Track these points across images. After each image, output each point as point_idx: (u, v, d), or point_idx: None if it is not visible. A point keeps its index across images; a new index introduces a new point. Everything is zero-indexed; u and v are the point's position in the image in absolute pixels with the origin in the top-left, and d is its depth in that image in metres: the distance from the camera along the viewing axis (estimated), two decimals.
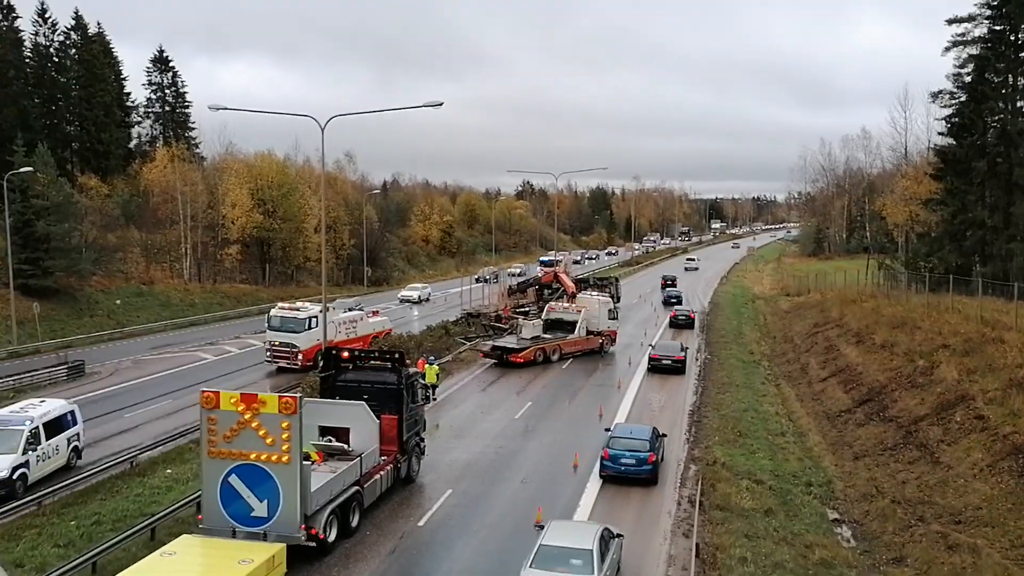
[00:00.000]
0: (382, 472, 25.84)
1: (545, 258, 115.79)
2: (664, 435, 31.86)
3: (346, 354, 28.14)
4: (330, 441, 25.40)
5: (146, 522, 22.85)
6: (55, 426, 29.12)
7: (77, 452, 30.33)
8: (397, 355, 27.88)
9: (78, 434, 30.43)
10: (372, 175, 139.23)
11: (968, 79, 56.30)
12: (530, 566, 19.08)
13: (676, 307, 73.13)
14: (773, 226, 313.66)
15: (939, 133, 60.59)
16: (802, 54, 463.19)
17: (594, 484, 28.59)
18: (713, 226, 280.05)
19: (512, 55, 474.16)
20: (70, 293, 61.52)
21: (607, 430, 31.28)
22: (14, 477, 26.81)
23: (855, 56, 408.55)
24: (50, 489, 26.33)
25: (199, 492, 24.93)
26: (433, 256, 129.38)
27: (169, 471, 29.48)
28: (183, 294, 73.07)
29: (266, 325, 48.41)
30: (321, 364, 44.99)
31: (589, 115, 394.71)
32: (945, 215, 56.71)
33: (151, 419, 36.98)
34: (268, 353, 47.50)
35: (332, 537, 22.39)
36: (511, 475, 29.50)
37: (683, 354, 49.05)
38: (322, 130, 38.31)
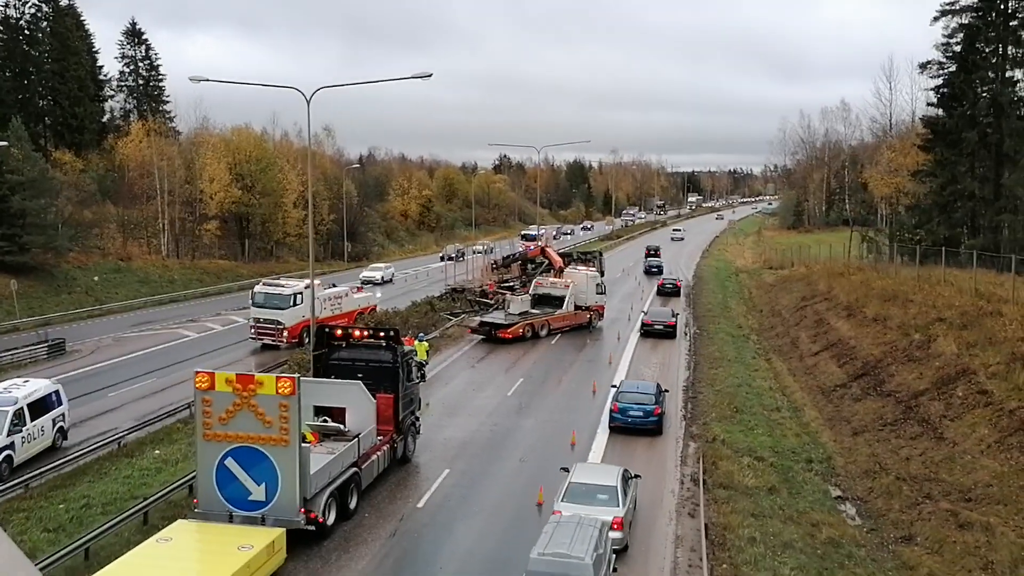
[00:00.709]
0: (379, 452, 25.20)
1: (527, 232, 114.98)
2: (667, 390, 34.30)
3: (339, 332, 27.35)
4: (325, 421, 24.71)
5: (138, 506, 22.08)
6: (40, 406, 28.21)
7: (63, 433, 29.45)
8: (392, 332, 27.14)
9: (63, 414, 29.54)
10: (348, 150, 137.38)
11: (958, 49, 55.84)
12: (562, 500, 21.43)
13: (664, 276, 76.78)
14: (750, 199, 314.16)
15: (928, 104, 60.32)
16: (774, 28, 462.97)
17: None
18: (690, 199, 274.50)
19: (482, 28, 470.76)
20: (47, 270, 60.09)
21: (614, 386, 33.90)
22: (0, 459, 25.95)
23: (825, 30, 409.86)
24: (37, 472, 25.50)
25: (191, 474, 24.32)
26: (412, 231, 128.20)
27: (158, 452, 28.67)
28: (162, 270, 71.68)
29: (250, 301, 47.40)
30: (314, 342, 44.82)
31: (562, 89, 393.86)
32: (934, 187, 56.44)
33: (136, 398, 36.07)
34: (252, 330, 46.55)
35: (331, 520, 21.77)
36: (508, 454, 28.95)
37: (674, 319, 52.27)
38: (307, 102, 37.23)
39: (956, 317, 38.40)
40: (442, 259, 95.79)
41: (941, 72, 58.02)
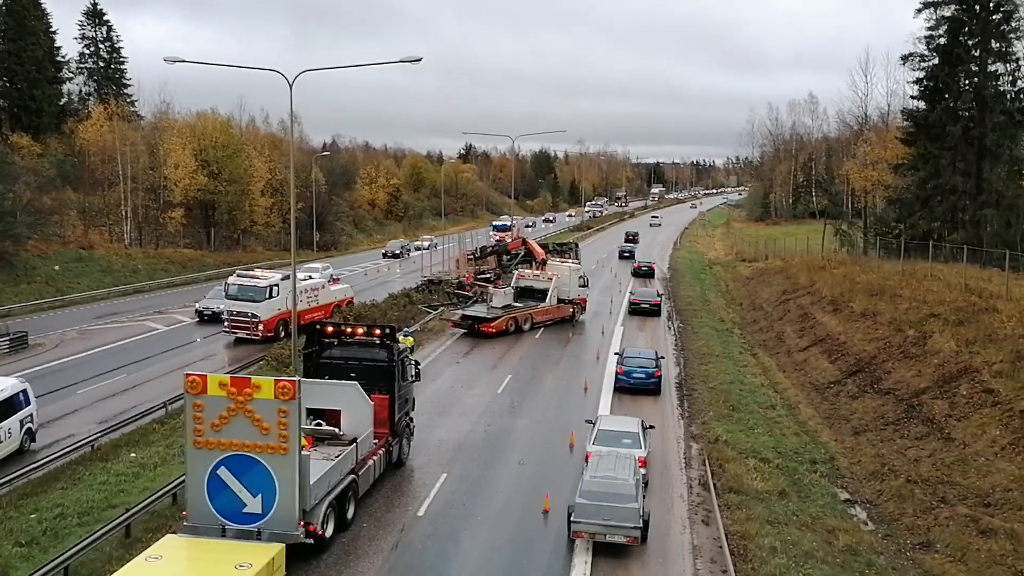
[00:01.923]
0: (375, 457, 23.85)
1: (498, 223, 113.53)
2: (663, 357, 38.99)
3: (331, 328, 25.87)
4: (319, 425, 23.28)
5: (120, 517, 20.48)
6: (6, 407, 26.42)
7: (31, 435, 27.67)
8: (388, 329, 25.73)
9: (31, 415, 27.77)
10: (311, 137, 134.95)
11: (941, 41, 55.42)
12: (593, 443, 24.98)
13: (639, 260, 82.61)
14: (713, 191, 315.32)
15: (912, 96, 59.82)
16: (724, 18, 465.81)
17: None
18: (652, 191, 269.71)
19: (433, 15, 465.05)
20: (5, 259, 57.50)
21: (617, 354, 39.18)
22: None
23: (775, 20, 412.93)
24: (5, 478, 23.77)
25: (174, 481, 22.91)
26: (380, 220, 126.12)
27: (134, 455, 27.03)
28: (125, 259, 69.17)
29: (223, 293, 45.60)
30: (304, 339, 43.14)
31: (517, 78, 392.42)
32: (916, 180, 56.06)
33: (106, 395, 34.25)
34: (226, 323, 44.77)
35: (329, 532, 20.40)
36: (506, 456, 27.74)
37: (659, 299, 57.81)
38: (290, 86, 35.53)
39: (950, 313, 37.88)
40: (384, 256, 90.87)
41: (923, 65, 57.59)
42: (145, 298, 59.70)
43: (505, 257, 61.07)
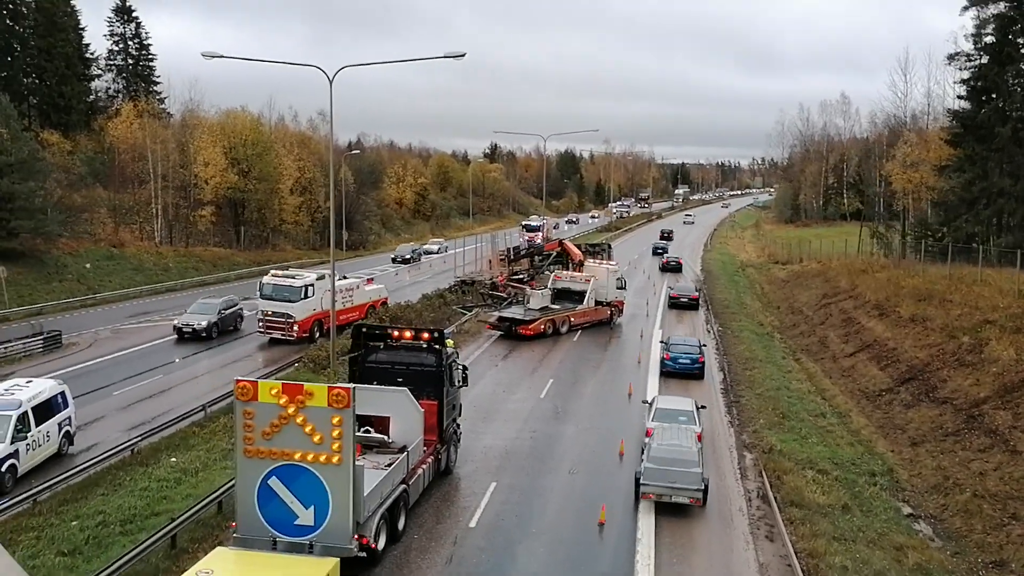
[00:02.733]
0: (424, 466, 23.06)
1: (529, 222, 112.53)
2: (705, 345, 42.30)
3: (377, 332, 25.10)
4: (368, 432, 22.51)
5: (166, 528, 19.75)
6: (45, 410, 25.87)
7: (69, 438, 27.12)
8: (436, 333, 24.94)
9: (69, 417, 27.21)
10: (338, 136, 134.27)
11: (989, 40, 53.98)
12: (652, 420, 27.46)
13: (667, 256, 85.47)
14: (738, 192, 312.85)
15: (958, 97, 58.43)
16: (741, 19, 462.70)
17: None
18: (676, 191, 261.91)
19: (449, 14, 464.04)
20: (37, 256, 57.33)
21: (662, 342, 42.00)
22: (3, 469, 23.70)
23: (792, 21, 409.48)
24: (44, 484, 23.16)
25: (219, 490, 22.22)
26: (408, 220, 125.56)
27: (174, 459, 26.41)
28: (156, 258, 68.90)
29: (258, 293, 45.04)
30: (324, 339, 42.73)
31: (534, 78, 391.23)
32: (961, 182, 54.63)
33: (143, 397, 33.70)
34: (260, 323, 44.20)
35: (381, 545, 19.63)
36: (555, 465, 26.89)
37: (697, 293, 60.65)
38: (331, 82, 34.94)
39: (1006, 320, 36.66)
40: (394, 261, 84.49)
41: (969, 64, 56.20)
42: (177, 297, 59.24)
43: (537, 258, 60.21)
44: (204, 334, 44.06)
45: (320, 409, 17.72)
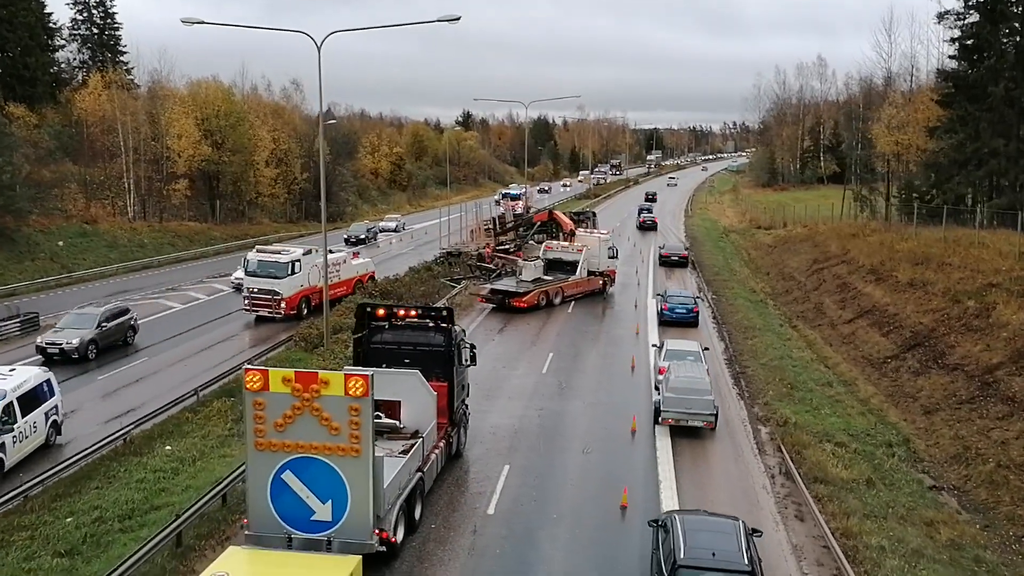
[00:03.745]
0: (437, 450, 22.04)
1: (508, 191, 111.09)
2: (699, 296, 47.87)
3: (382, 311, 23.93)
4: (379, 417, 21.37)
5: (171, 525, 18.57)
6: (31, 399, 24.51)
7: (56, 427, 25.80)
8: (445, 311, 23.82)
9: (56, 406, 25.85)
10: (311, 105, 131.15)
11: None
12: (664, 360, 30.33)
13: (643, 215, 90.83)
14: (711, 156, 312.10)
15: (949, 56, 57.61)
16: None
17: (666, 453, 25.27)
18: (648, 157, 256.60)
19: None
20: (7, 235, 55.22)
21: (659, 295, 45.75)
22: None
23: None
24: (36, 479, 21.88)
25: (225, 480, 21.11)
26: (384, 190, 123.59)
27: (169, 448, 25.22)
28: (130, 234, 66.79)
29: (242, 269, 43.59)
30: (313, 316, 41.49)
31: (498, 44, 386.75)
32: (953, 143, 53.96)
33: (129, 382, 32.32)
34: (246, 301, 42.78)
35: (400, 537, 18.65)
36: (567, 444, 26.00)
37: (687, 252, 64.64)
38: (318, 48, 33.45)
39: (1011, 283, 36.15)
40: (347, 242, 71.03)
41: (960, 23, 55.35)
42: (155, 274, 57.57)
43: (522, 228, 58.98)
44: (76, 355, 33.73)
45: (336, 398, 16.61)
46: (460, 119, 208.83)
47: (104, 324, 36.05)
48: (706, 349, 33.25)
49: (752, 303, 49.27)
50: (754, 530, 17.24)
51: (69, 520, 20.28)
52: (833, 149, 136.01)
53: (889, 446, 27.11)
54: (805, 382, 33.38)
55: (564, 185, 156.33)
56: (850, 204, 79.83)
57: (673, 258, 62.78)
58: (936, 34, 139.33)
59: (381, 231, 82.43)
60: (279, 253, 43.34)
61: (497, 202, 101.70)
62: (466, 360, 24.54)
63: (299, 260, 42.69)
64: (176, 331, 40.20)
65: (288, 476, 16.96)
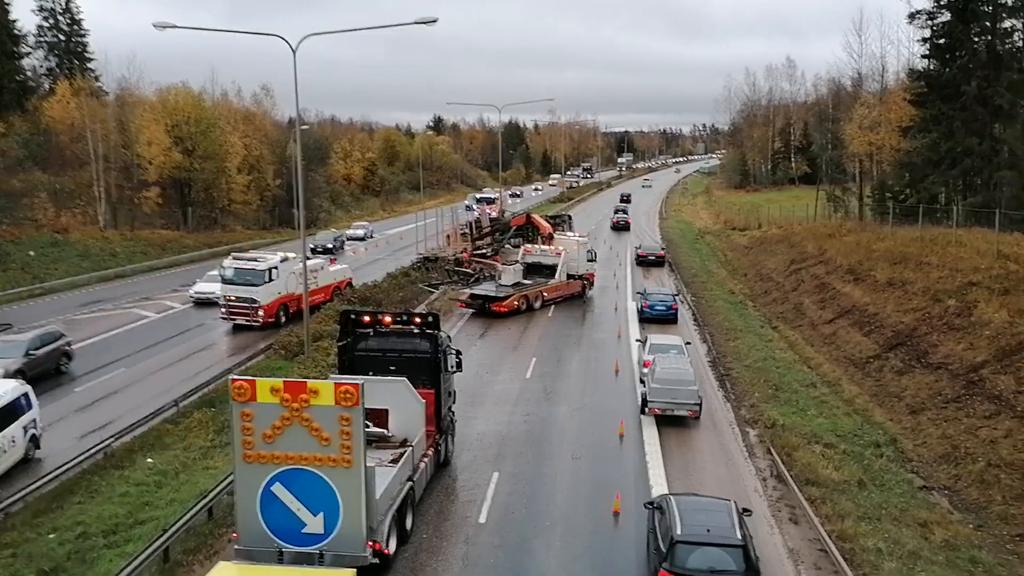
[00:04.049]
0: (426, 459, 21.69)
1: (481, 195, 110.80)
2: (678, 293, 49.04)
3: (367, 317, 23.55)
4: (367, 426, 20.96)
5: (157, 541, 18.07)
6: (8, 413, 23.78)
7: (35, 441, 25.10)
8: (430, 317, 23.48)
9: (34, 420, 25.15)
10: (277, 111, 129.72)
11: None
12: (648, 354, 31.37)
13: (618, 216, 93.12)
14: (681, 158, 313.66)
15: (922, 56, 58.01)
16: None
17: (656, 457, 25.09)
18: (620, 160, 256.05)
19: None
20: None
21: (639, 293, 46.54)
22: None
23: None
24: (16, 495, 21.23)
25: (212, 493, 20.62)
26: (357, 195, 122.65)
27: (151, 460, 24.63)
28: (102, 243, 65.65)
29: (219, 278, 42.98)
30: (292, 324, 40.95)
31: (466, 48, 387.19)
32: (927, 142, 54.33)
33: (107, 393, 31.58)
34: (222, 309, 42.14)
35: (392, 548, 18.27)
36: (555, 450, 25.73)
37: (663, 252, 66.50)
38: (294, 52, 33.00)
39: (991, 282, 36.38)
40: (314, 251, 63.99)
41: (931, 23, 55.76)
42: (128, 283, 56.61)
43: (498, 233, 58.70)
44: None
45: (326, 408, 16.25)
46: (431, 124, 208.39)
47: (32, 352, 32.04)
48: (688, 343, 34.57)
49: (732, 304, 49.33)
50: (745, 510, 18.21)
51: (52, 536, 19.73)
52: (804, 150, 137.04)
53: (877, 446, 27.10)
54: (790, 383, 33.36)
55: (536, 189, 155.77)
56: (823, 205, 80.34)
57: (650, 258, 64.45)
58: (906, 34, 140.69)
59: (349, 239, 79.36)
60: (256, 260, 42.73)
61: (468, 207, 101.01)
62: (452, 366, 24.21)
63: (276, 267, 42.14)
64: (152, 341, 39.45)
65: (278, 488, 16.58)
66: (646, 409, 28.01)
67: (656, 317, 43.18)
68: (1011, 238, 42.59)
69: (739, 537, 16.42)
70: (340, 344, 23.57)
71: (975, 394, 29.05)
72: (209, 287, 46.96)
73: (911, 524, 21.27)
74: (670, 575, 15.94)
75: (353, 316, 23.66)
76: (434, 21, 31.64)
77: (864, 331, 39.47)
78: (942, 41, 53.72)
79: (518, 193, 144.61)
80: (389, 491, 18.05)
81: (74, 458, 23.58)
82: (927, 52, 56.06)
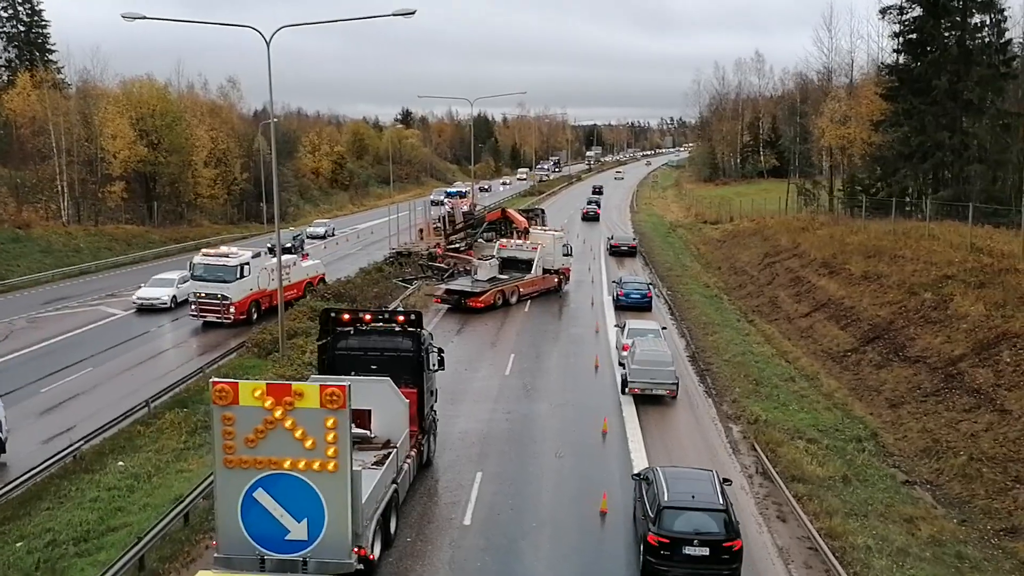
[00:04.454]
0: (409, 460, 21.21)
1: (452, 189, 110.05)
2: (651, 283, 50.19)
3: (347, 316, 23.00)
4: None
5: (132, 549, 17.45)
6: None
7: (1, 445, 24.29)
8: (413, 315, 22.99)
9: (0, 422, 24.34)
10: (243, 103, 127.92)
11: None
12: (627, 338, 32.85)
13: (586, 207, 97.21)
14: (650, 152, 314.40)
15: (894, 51, 58.33)
16: None
17: (640, 454, 24.81)
18: (588, 154, 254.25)
19: None
20: None
21: (615, 281, 48.52)
22: None
23: None
24: None
25: (187, 497, 20.00)
26: (325, 189, 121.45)
27: (122, 463, 23.94)
28: (65, 238, 64.24)
29: (189, 274, 42.11)
30: (264, 321, 40.15)
31: (427, 40, 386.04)
32: (899, 136, 54.61)
33: (75, 394, 30.72)
34: (193, 306, 41.28)
35: (377, 553, 17.79)
36: (538, 448, 25.36)
37: (635, 242, 69.61)
38: (267, 43, 32.27)
39: (966, 275, 36.52)
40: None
41: (902, 18, 56.03)
42: (93, 280, 55.46)
43: (470, 229, 58.09)
44: None
45: (311, 411, 15.70)
46: (399, 116, 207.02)
47: None
48: (664, 328, 36.48)
49: (707, 298, 49.26)
50: (725, 479, 19.50)
51: (20, 545, 19.03)
52: (772, 144, 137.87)
53: (858, 441, 27.05)
54: (769, 378, 33.27)
55: (504, 183, 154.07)
56: (794, 198, 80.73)
57: (623, 248, 66.93)
58: (876, 29, 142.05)
59: (309, 238, 74.60)
60: (227, 256, 41.89)
61: (434, 202, 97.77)
62: (434, 365, 23.75)
63: (248, 263, 41.37)
64: (120, 339, 38.55)
65: (260, 494, 16.00)
66: (626, 389, 29.55)
67: (631, 305, 44.53)
68: (982, 231, 42.95)
69: (721, 503, 17.73)
70: (320, 343, 23.01)
71: (954, 388, 29.09)
72: (155, 292, 45.07)
73: (897, 520, 21.16)
74: (658, 538, 17.15)
75: (333, 314, 23.11)
76: (412, 13, 31.03)
77: (841, 324, 39.52)
78: (913, 36, 53.89)
79: (486, 188, 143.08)
80: (374, 495, 17.56)
81: (42, 462, 22.86)
82: (899, 47, 56.31)
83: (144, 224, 77.36)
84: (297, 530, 16.06)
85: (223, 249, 44.04)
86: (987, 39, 52.57)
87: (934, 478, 24.81)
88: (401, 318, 22.93)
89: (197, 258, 42.14)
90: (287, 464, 15.86)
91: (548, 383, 32.06)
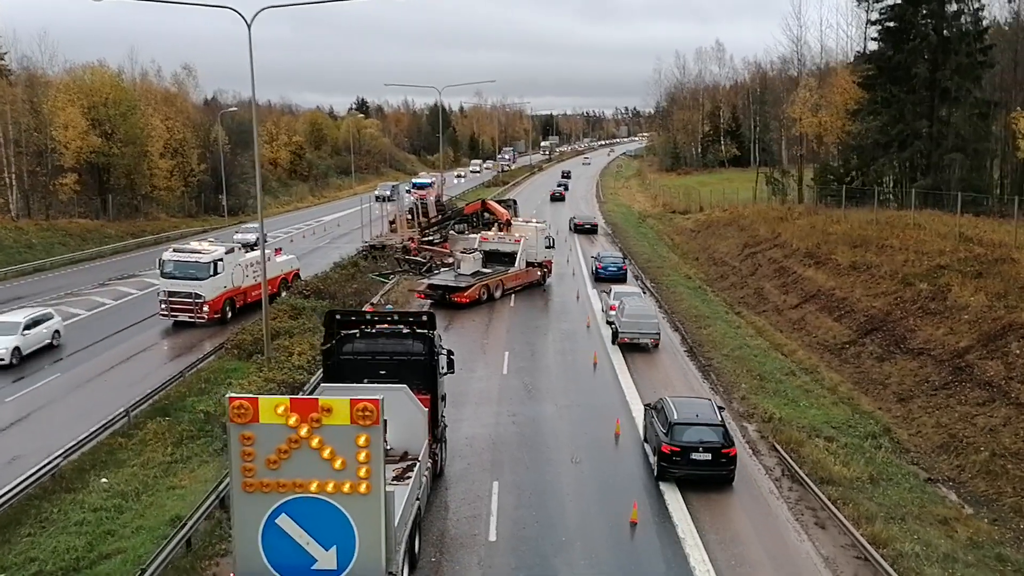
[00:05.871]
0: (427, 472, 19.84)
1: (419, 180, 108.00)
2: (627, 257, 55.78)
3: (353, 318, 21.50)
4: None
5: None
6: None
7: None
8: (424, 317, 21.58)
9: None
10: (199, 92, 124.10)
11: None
12: (613, 299, 38.22)
13: (553, 189, 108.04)
14: (604, 141, 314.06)
15: (872, 39, 57.94)
16: None
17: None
18: (543, 144, 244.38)
19: None
20: None
21: (594, 257, 54.11)
22: None
23: None
24: None
25: (190, 519, 18.39)
26: (284, 180, 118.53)
27: (105, 480, 22.19)
28: (15, 233, 61.27)
29: (158, 271, 40.08)
30: (240, 320, 38.28)
31: (375, 28, 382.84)
32: (877, 125, 54.20)
33: (46, 403, 28.71)
34: (163, 305, 39.24)
35: None
36: (552, 453, 24.15)
37: (596, 221, 76.63)
38: (248, 26, 30.42)
39: (961, 265, 36.09)
40: (244, 247, 45.58)
41: (879, 6, 55.66)
42: (49, 278, 52.82)
43: (452, 220, 56.70)
44: None
45: (341, 428, 14.24)
46: (355, 105, 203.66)
47: None
48: (645, 292, 43.81)
49: (691, 290, 48.43)
50: (719, 406, 24.24)
51: None
52: (732, 133, 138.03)
53: (874, 437, 26.31)
54: (772, 372, 32.46)
55: (458, 176, 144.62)
56: (762, 188, 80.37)
57: (585, 226, 73.93)
58: (844, 17, 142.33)
59: (244, 246, 64.78)
60: (199, 252, 39.86)
61: (378, 198, 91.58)
62: (443, 368, 22.41)
63: (221, 260, 39.40)
64: (87, 341, 36.42)
65: (284, 520, 14.53)
66: (616, 341, 35.11)
67: (609, 276, 49.51)
68: (967, 220, 42.63)
69: (719, 420, 22.48)
70: (324, 347, 21.50)
71: (964, 380, 28.48)
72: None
73: (933, 523, 20.42)
74: (671, 447, 21.51)
75: (338, 316, 21.60)
76: None
77: (834, 316, 38.86)
78: (892, 24, 53.43)
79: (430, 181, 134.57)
80: (405, 516, 16.22)
81: (18, 483, 20.98)
82: (877, 35, 55.82)
83: (98, 218, 74.29)
84: (325, 559, 14.63)
85: (194, 245, 41.92)
86: (965, 27, 52.18)
87: (956, 475, 24.14)
88: (412, 320, 21.52)
89: (167, 254, 40.05)
90: (314, 487, 14.41)
91: (548, 383, 30.84)
